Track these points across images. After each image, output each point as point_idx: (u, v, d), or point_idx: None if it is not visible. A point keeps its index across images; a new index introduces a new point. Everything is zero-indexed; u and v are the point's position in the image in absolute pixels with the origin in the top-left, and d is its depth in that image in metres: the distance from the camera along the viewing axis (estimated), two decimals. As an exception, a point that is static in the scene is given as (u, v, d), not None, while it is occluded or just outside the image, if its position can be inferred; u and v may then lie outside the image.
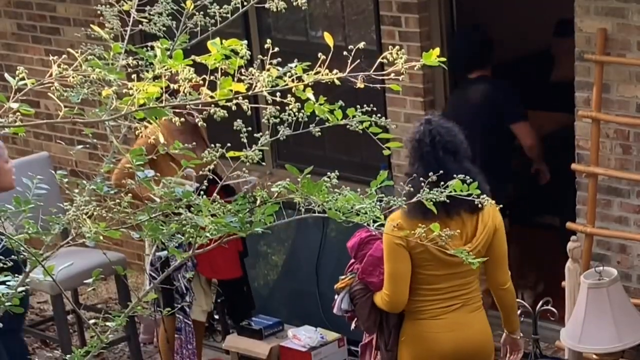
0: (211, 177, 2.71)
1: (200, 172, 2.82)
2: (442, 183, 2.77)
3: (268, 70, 2.49)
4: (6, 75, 2.54)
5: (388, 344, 4.63)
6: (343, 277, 4.79)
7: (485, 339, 4.62)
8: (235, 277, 6.00)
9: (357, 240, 4.70)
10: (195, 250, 2.70)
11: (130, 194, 2.63)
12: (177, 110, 2.51)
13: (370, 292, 4.62)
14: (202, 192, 2.68)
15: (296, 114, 2.57)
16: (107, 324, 2.78)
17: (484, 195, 2.69)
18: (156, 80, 2.45)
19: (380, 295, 4.54)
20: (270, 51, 2.51)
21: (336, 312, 4.83)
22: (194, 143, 3.08)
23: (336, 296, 4.79)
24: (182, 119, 2.55)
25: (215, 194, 2.63)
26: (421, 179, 2.87)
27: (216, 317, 6.48)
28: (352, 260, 4.75)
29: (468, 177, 2.77)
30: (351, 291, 4.71)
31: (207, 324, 6.42)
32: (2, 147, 5.38)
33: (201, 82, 2.49)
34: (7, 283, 2.65)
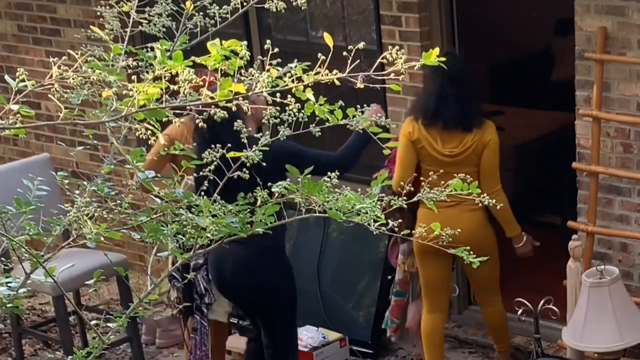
0: (212, 177, 2.71)
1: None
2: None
3: (268, 71, 2.49)
4: (6, 77, 2.54)
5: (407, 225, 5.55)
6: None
7: (475, 238, 5.09)
8: None
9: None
10: (196, 251, 2.70)
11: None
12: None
13: None
14: (202, 193, 2.69)
15: (296, 114, 2.57)
16: (109, 325, 2.78)
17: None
18: (156, 82, 2.45)
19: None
20: (270, 52, 2.52)
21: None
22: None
23: None
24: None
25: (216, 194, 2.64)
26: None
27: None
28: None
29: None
30: None
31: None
32: None
33: (201, 82, 2.49)
34: (9, 284, 2.65)
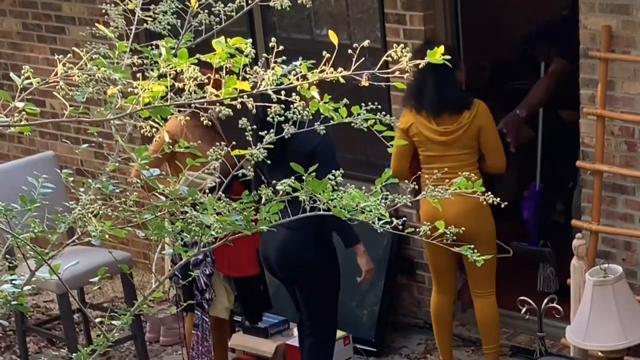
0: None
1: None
2: None
3: (273, 68, 2.49)
4: (12, 74, 2.54)
5: None
6: None
7: (470, 218, 5.39)
8: (252, 275, 5.90)
9: None
10: (201, 249, 2.70)
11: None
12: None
13: None
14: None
15: (301, 112, 2.57)
16: (113, 322, 2.78)
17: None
18: (161, 79, 2.45)
19: None
20: (275, 50, 2.52)
21: None
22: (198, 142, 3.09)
23: None
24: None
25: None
26: None
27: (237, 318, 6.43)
28: None
29: None
30: None
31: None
32: None
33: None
34: (14, 282, 2.65)
